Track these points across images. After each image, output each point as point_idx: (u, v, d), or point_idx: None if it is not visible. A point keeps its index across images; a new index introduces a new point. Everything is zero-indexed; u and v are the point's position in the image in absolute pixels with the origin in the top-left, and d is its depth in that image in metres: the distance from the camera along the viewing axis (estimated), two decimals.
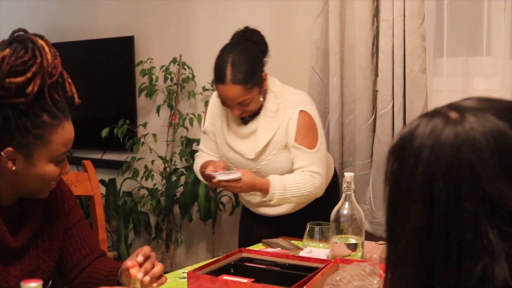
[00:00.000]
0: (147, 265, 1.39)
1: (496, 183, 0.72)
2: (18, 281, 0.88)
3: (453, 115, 0.78)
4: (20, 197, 1.47)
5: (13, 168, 1.37)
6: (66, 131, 1.40)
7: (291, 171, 2.24)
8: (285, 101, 2.26)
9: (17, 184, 1.41)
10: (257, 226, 2.44)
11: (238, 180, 2.11)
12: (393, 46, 2.65)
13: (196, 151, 3.36)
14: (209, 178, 2.16)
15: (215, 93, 2.33)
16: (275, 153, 2.25)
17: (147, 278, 1.36)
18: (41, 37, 1.35)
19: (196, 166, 2.45)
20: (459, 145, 0.75)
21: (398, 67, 2.63)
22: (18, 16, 4.45)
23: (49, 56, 1.33)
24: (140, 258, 1.39)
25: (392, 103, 2.66)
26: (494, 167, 0.72)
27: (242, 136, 2.30)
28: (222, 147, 2.36)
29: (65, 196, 1.59)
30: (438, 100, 2.63)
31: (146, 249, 1.43)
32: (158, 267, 1.42)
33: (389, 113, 2.67)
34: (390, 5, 2.64)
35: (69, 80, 1.42)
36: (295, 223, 2.15)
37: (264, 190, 2.16)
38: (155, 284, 1.38)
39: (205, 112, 2.52)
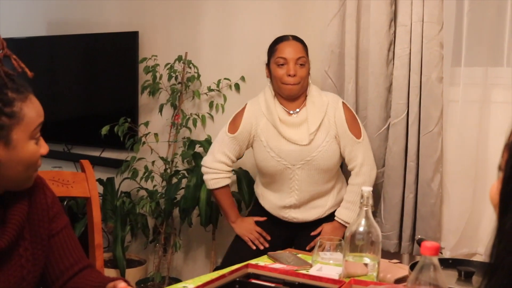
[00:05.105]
0: None
1: None
2: None
3: None
4: (1, 195, 1.36)
5: None
6: (35, 102, 1.35)
7: (338, 163, 2.52)
8: (325, 95, 2.54)
9: (2, 176, 1.30)
10: (278, 231, 2.62)
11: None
12: (410, 53, 2.55)
13: (199, 153, 3.28)
14: None
15: (249, 101, 2.59)
16: (328, 141, 2.45)
17: None
18: None
19: (210, 184, 2.66)
20: None
21: (414, 74, 2.53)
22: (19, 8, 4.36)
23: None
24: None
25: (406, 112, 2.56)
26: None
27: (295, 125, 2.49)
28: (274, 143, 2.50)
29: (49, 200, 1.47)
30: (454, 111, 2.53)
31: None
32: None
33: (402, 123, 2.57)
34: (409, 10, 2.54)
35: (14, 56, 1.36)
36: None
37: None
38: None
39: (235, 119, 2.60)
